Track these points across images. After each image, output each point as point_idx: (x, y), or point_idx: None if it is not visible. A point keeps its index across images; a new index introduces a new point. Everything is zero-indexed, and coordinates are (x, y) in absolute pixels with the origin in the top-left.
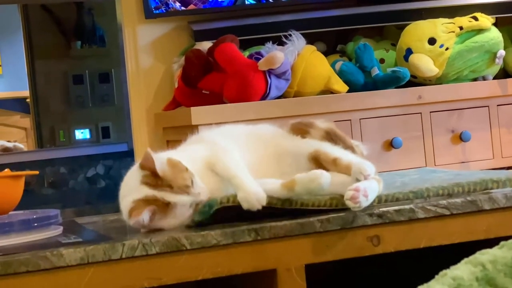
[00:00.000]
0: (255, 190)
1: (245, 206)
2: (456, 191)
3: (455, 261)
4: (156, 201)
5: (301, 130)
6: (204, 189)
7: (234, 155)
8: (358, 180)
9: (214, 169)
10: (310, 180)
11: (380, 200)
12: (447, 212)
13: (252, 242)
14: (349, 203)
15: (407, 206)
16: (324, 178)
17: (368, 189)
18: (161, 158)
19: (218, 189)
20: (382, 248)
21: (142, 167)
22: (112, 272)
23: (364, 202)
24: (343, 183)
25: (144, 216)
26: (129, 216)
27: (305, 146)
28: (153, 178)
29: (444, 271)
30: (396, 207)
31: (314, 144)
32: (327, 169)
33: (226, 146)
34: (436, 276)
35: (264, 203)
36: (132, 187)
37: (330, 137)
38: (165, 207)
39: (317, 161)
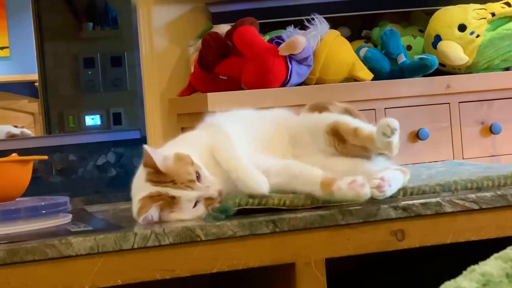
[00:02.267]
0: (255, 181)
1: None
2: (485, 184)
3: (484, 257)
4: (161, 196)
5: (319, 107)
6: (214, 182)
7: (235, 142)
8: (384, 135)
9: (216, 158)
10: (351, 188)
11: (405, 193)
12: (476, 207)
13: (270, 234)
14: (374, 192)
15: (433, 200)
16: (364, 195)
17: (392, 179)
18: (161, 154)
19: (227, 179)
20: (406, 243)
21: (145, 165)
22: (123, 263)
23: (388, 191)
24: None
25: (152, 212)
26: (138, 216)
27: (323, 118)
28: (157, 174)
29: (472, 267)
30: (422, 200)
31: (332, 116)
32: (346, 140)
33: (229, 132)
34: (464, 272)
35: (266, 190)
36: (139, 187)
37: (350, 113)
38: (171, 202)
39: (336, 133)
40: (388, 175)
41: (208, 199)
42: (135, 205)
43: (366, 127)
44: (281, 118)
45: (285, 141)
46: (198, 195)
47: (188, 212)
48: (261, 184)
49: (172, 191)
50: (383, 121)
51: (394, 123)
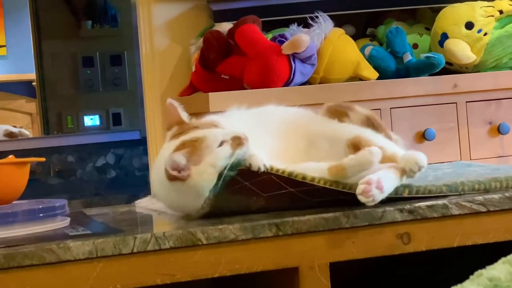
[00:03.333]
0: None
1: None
2: (493, 186)
3: (491, 261)
4: (185, 144)
5: (339, 113)
6: (236, 128)
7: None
8: (412, 172)
9: None
10: (360, 161)
11: (411, 191)
12: (484, 209)
13: (273, 238)
14: (361, 198)
15: (440, 202)
16: (373, 155)
17: (383, 180)
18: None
19: None
20: (412, 246)
21: (169, 125)
22: (122, 267)
23: (378, 195)
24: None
25: (178, 157)
26: (167, 172)
27: (344, 131)
28: (180, 127)
29: (479, 271)
30: (428, 203)
31: (354, 130)
32: None
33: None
34: (471, 277)
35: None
36: (163, 156)
37: (371, 123)
38: (197, 146)
39: (357, 148)
40: (376, 177)
41: (236, 139)
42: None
43: (389, 148)
44: (299, 118)
45: (301, 143)
46: (223, 132)
47: (211, 154)
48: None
49: (197, 133)
50: (412, 157)
51: (423, 161)
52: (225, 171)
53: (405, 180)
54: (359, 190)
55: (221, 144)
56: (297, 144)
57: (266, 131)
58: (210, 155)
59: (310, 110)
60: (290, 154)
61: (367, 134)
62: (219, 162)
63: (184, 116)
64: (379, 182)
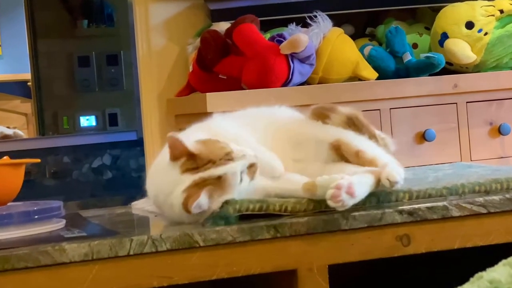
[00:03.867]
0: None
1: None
2: (494, 187)
3: (492, 263)
4: (206, 181)
5: (322, 115)
6: (245, 150)
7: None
8: (384, 186)
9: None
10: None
11: (411, 197)
12: (484, 211)
13: (271, 240)
14: (330, 203)
15: (440, 203)
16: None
17: (355, 184)
18: (188, 138)
19: None
20: (412, 249)
21: (175, 156)
22: (119, 270)
23: (349, 200)
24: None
25: (202, 198)
26: (186, 206)
27: (326, 134)
28: (192, 161)
29: (480, 274)
30: (429, 204)
31: (335, 133)
32: (348, 161)
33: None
34: (471, 279)
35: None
36: (172, 182)
37: (353, 123)
38: (218, 183)
39: (339, 151)
40: (347, 182)
41: (251, 167)
42: (178, 199)
43: (369, 150)
44: (285, 120)
45: (286, 144)
46: (242, 164)
47: (237, 189)
48: (280, 166)
49: (216, 171)
50: (386, 171)
51: (396, 177)
52: None
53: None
54: (328, 195)
55: (241, 174)
56: (284, 146)
57: (253, 132)
58: (232, 191)
59: (298, 112)
60: (280, 156)
61: (348, 137)
62: (240, 197)
63: (190, 146)
64: (350, 188)
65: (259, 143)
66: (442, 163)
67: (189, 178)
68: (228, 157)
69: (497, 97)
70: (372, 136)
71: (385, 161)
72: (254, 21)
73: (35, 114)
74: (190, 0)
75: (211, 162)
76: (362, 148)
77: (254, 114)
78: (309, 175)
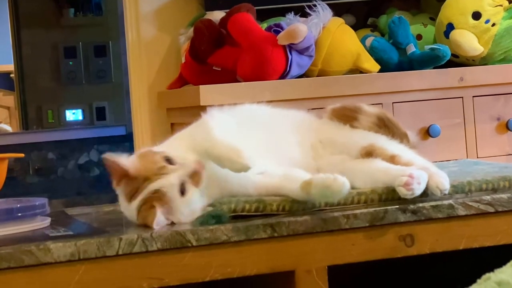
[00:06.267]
0: (238, 154)
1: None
2: (501, 185)
3: (500, 264)
4: (150, 198)
5: (348, 117)
6: (187, 158)
7: (215, 128)
8: (433, 194)
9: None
10: (325, 186)
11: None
12: (491, 209)
13: (268, 239)
14: (401, 190)
15: (445, 202)
16: (340, 186)
17: (421, 177)
18: (122, 157)
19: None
20: (416, 249)
21: (116, 182)
22: (107, 270)
23: (417, 190)
24: (386, 172)
25: (159, 217)
26: (149, 226)
27: (357, 139)
28: (132, 182)
29: (487, 275)
30: (433, 203)
31: (367, 137)
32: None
33: (213, 122)
34: (478, 280)
35: (252, 165)
36: (126, 209)
37: (384, 123)
38: (160, 199)
39: (371, 156)
40: (419, 173)
41: (193, 176)
42: (139, 220)
43: (404, 155)
44: (304, 123)
45: (306, 146)
46: (177, 176)
47: (181, 203)
48: (245, 158)
49: (151, 186)
50: (436, 180)
51: (446, 185)
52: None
53: None
54: (400, 181)
55: (182, 185)
56: (302, 149)
57: (266, 137)
58: (181, 205)
59: (308, 113)
60: (296, 159)
61: (381, 141)
62: (194, 207)
63: (125, 163)
64: (419, 178)
65: (272, 149)
66: (448, 160)
67: (136, 203)
68: (162, 172)
69: (505, 91)
70: (404, 136)
71: (423, 164)
72: (250, 10)
73: (18, 107)
74: None
75: (147, 180)
76: (397, 152)
77: (263, 113)
78: (327, 166)
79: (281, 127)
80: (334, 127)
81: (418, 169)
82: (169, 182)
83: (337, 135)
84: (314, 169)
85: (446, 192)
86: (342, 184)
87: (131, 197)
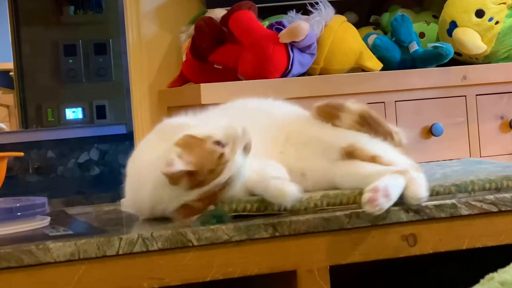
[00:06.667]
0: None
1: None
2: (505, 185)
3: (503, 264)
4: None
5: (330, 115)
6: (227, 127)
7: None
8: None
9: None
10: (274, 196)
11: None
12: (495, 209)
13: (269, 239)
14: (367, 208)
15: (448, 201)
16: (288, 197)
17: (390, 186)
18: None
19: None
20: (419, 249)
21: (174, 182)
22: (107, 270)
23: (385, 204)
24: (364, 176)
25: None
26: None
27: (337, 138)
28: (193, 178)
29: (491, 275)
30: (436, 202)
31: (348, 137)
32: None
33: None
34: (482, 280)
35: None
36: (175, 196)
37: (366, 121)
38: (230, 184)
39: (352, 157)
40: (383, 184)
41: (245, 147)
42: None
43: (385, 156)
44: (289, 119)
45: (291, 146)
46: (239, 160)
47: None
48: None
49: (223, 177)
50: (412, 188)
51: (422, 194)
52: None
53: None
54: (364, 198)
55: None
56: (287, 146)
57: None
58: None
59: (298, 107)
60: (281, 157)
61: (362, 141)
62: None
63: (185, 166)
64: (386, 190)
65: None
66: (450, 159)
67: (196, 192)
68: (223, 161)
69: (509, 90)
70: (388, 134)
71: (404, 166)
72: (251, 8)
73: (18, 106)
74: None
75: (212, 172)
76: (378, 153)
77: (247, 108)
78: (312, 172)
79: (267, 127)
80: (316, 126)
81: (391, 175)
82: (236, 168)
83: (319, 134)
84: (299, 172)
85: (422, 200)
86: (287, 193)
87: (193, 186)
